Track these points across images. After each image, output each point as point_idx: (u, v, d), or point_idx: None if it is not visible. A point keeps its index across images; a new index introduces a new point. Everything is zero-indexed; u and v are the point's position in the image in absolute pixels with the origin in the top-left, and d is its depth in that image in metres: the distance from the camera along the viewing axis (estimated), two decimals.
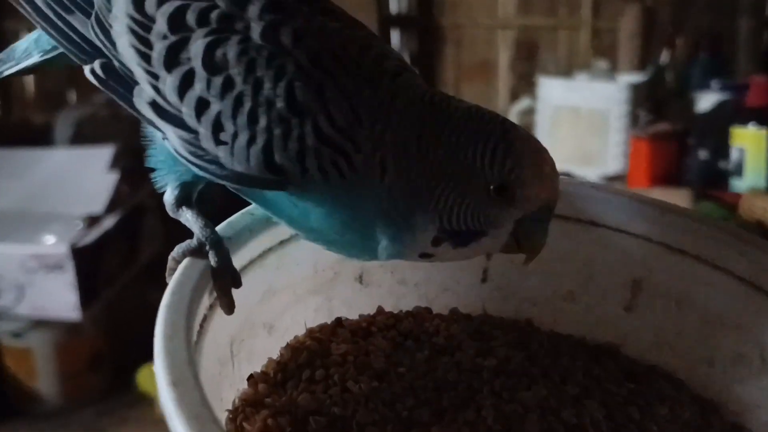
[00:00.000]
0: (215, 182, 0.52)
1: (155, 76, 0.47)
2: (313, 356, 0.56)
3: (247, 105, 0.45)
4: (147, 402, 2.06)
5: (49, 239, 2.13)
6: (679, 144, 2.50)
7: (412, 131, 0.47)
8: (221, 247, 0.48)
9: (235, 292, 0.49)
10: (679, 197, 2.30)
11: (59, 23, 0.49)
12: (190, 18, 0.47)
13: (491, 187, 0.47)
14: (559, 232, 0.63)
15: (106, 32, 0.48)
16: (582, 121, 2.62)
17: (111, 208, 2.23)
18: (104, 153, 2.28)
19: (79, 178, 2.25)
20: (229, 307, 0.48)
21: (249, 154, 0.46)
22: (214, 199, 0.66)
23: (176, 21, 0.47)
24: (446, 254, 0.49)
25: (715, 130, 2.40)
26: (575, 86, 2.74)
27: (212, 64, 0.46)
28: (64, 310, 2.12)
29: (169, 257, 0.48)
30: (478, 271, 0.64)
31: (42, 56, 0.54)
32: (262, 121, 0.45)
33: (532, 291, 0.65)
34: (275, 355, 0.56)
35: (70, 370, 2.22)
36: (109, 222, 2.22)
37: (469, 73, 3.20)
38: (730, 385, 0.59)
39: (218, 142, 0.46)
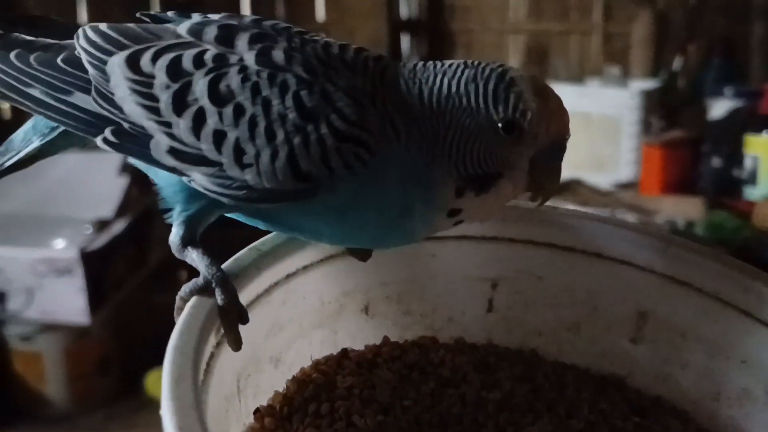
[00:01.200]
0: (224, 216, 0.53)
1: (168, 125, 0.49)
2: (319, 390, 0.56)
3: (262, 124, 0.48)
4: (155, 406, 2.06)
5: (59, 243, 2.14)
6: (692, 151, 2.49)
7: (410, 93, 0.50)
8: (227, 284, 0.49)
9: (241, 327, 0.49)
10: (691, 205, 2.29)
11: (61, 106, 0.51)
12: (187, 64, 0.49)
13: (499, 125, 0.49)
14: (564, 264, 0.63)
15: (109, 101, 0.50)
16: (594, 128, 2.61)
17: (120, 212, 2.24)
18: (114, 157, 2.29)
19: (89, 183, 2.27)
20: (237, 344, 0.49)
21: (275, 169, 0.48)
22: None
23: (174, 70, 0.49)
24: (473, 206, 0.51)
25: (729, 137, 2.38)
26: (587, 92, 2.72)
27: (219, 97, 0.48)
28: (73, 314, 2.13)
29: (177, 296, 0.48)
30: (484, 302, 0.65)
31: (42, 140, 0.56)
32: (280, 135, 0.47)
33: (537, 321, 0.65)
34: (281, 388, 0.56)
35: (79, 373, 2.23)
36: (118, 226, 2.23)
37: None
38: (735, 419, 0.59)
39: (243, 166, 0.48)
